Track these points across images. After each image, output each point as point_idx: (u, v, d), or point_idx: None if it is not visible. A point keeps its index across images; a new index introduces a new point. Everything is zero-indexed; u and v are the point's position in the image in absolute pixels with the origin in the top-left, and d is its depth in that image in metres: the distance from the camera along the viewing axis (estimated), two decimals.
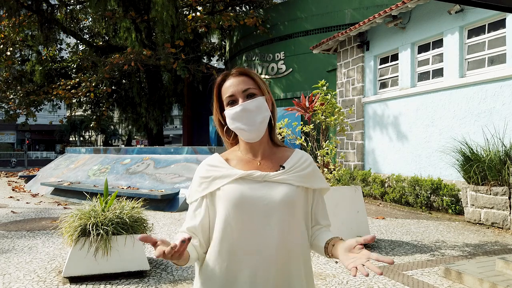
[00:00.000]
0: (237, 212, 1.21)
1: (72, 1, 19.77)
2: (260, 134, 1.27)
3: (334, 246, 1.20)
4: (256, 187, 1.23)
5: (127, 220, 3.88)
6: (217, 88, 1.32)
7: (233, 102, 1.27)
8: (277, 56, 16.10)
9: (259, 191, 1.22)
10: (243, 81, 1.28)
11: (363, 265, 0.99)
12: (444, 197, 7.50)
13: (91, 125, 23.08)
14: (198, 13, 19.16)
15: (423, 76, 8.70)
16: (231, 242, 1.21)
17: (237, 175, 1.24)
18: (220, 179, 1.25)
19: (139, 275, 3.96)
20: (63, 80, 19.08)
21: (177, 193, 8.36)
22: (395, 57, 9.48)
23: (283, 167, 1.28)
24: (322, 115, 5.24)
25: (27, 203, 9.24)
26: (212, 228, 1.26)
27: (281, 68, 15.92)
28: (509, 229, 5.98)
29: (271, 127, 1.33)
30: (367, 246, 5.12)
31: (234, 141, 1.37)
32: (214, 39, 23.86)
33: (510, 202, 5.98)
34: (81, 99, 20.92)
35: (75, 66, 21.92)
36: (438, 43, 8.26)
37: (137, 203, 4.19)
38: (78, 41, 21.22)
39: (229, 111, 1.27)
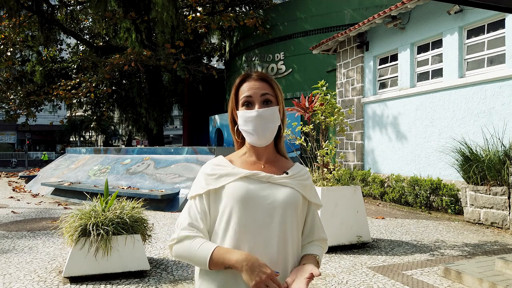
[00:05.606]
0: (242, 209, 1.24)
1: (73, 2, 19.79)
2: (267, 142, 1.32)
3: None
4: (260, 186, 1.28)
5: (128, 220, 3.90)
6: (236, 87, 1.36)
7: (248, 103, 1.31)
8: (277, 56, 16.13)
9: (264, 191, 1.27)
10: (263, 86, 1.32)
11: None
12: (444, 197, 7.51)
13: (92, 126, 23.10)
14: (198, 14, 19.18)
15: (423, 76, 8.71)
16: (234, 240, 1.23)
17: (242, 174, 1.28)
18: (226, 176, 1.29)
19: (139, 275, 3.97)
20: (63, 80, 19.11)
21: (177, 193, 8.38)
22: (394, 58, 9.49)
23: (287, 173, 1.34)
24: (321, 115, 5.25)
25: (27, 203, 9.26)
26: (212, 225, 1.29)
27: (281, 69, 15.94)
28: (509, 228, 5.99)
29: (278, 135, 1.38)
30: (365, 245, 5.13)
31: (242, 140, 1.40)
32: (214, 40, 23.87)
33: (509, 202, 6.00)
34: (82, 100, 20.96)
35: (75, 67, 21.94)
36: (438, 44, 8.27)
37: (137, 203, 4.21)
38: (79, 42, 21.22)
39: (243, 113, 1.31)
